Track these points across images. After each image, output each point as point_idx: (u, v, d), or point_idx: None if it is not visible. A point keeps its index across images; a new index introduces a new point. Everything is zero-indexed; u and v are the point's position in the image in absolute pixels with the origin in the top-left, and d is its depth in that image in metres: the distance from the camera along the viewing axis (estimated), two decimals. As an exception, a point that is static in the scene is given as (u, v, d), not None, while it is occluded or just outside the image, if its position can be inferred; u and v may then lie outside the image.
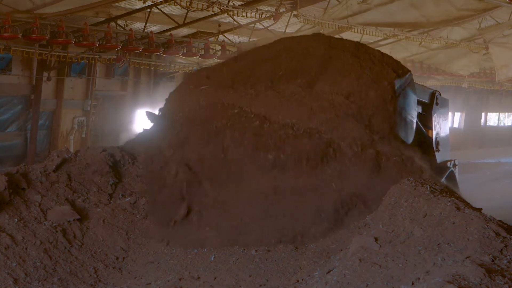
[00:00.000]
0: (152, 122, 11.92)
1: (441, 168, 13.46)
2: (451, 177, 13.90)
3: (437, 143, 14.18)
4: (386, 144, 10.28)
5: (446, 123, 15.41)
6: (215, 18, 19.27)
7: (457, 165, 15.25)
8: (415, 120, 11.75)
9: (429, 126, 13.81)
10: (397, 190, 8.83)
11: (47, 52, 17.11)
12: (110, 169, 10.93)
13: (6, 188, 9.53)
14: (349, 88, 10.74)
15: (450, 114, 33.14)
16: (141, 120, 12.65)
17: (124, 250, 9.77)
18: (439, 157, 13.88)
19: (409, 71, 11.65)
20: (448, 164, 14.63)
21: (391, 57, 11.83)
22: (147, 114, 11.93)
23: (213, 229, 9.88)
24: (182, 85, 12.39)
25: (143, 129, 12.24)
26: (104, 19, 17.91)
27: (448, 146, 15.35)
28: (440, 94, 14.60)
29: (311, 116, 10.36)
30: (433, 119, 14.09)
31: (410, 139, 11.39)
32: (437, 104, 14.29)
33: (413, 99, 11.64)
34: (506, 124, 40.88)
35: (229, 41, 21.21)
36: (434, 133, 14.07)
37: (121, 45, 17.77)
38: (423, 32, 23.93)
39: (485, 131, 37.95)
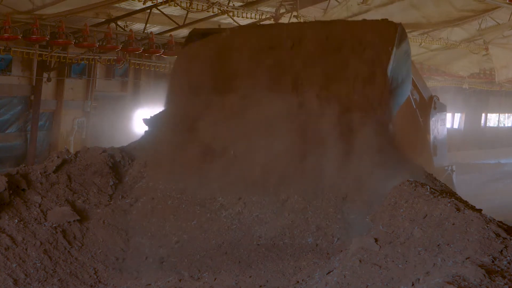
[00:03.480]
0: (147, 127, 12.06)
1: (438, 173, 13.45)
2: (449, 182, 13.89)
3: (435, 147, 14.16)
4: None
5: (444, 128, 15.40)
6: (215, 19, 19.23)
7: (454, 170, 15.24)
8: (410, 82, 11.81)
9: (426, 131, 13.82)
10: (397, 191, 8.82)
11: (47, 53, 17.11)
12: (110, 170, 10.93)
13: (6, 189, 9.53)
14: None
15: (449, 115, 33.16)
16: (141, 121, 12.67)
17: (124, 251, 9.77)
18: (436, 162, 13.85)
19: (395, 29, 11.47)
20: (446, 169, 14.63)
21: (368, 30, 11.68)
22: (143, 121, 12.13)
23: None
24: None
25: (145, 131, 12.31)
26: (104, 20, 17.89)
27: (446, 151, 15.34)
28: (438, 99, 14.60)
29: None
30: (431, 123, 14.09)
31: (402, 100, 11.52)
32: (434, 108, 14.29)
33: (405, 56, 11.61)
34: (506, 125, 40.82)
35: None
36: (431, 137, 14.06)
37: (121, 46, 17.75)
38: (423, 33, 23.91)
39: (485, 132, 37.91)
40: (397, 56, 11.19)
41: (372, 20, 12.19)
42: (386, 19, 11.96)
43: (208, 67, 11.92)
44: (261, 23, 19.49)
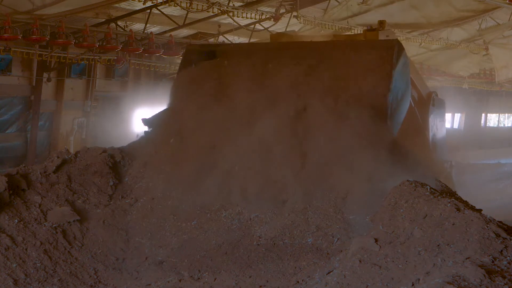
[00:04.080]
0: (147, 127, 12.06)
1: (438, 171, 13.44)
2: (448, 178, 13.88)
3: (434, 144, 14.14)
4: None
5: (443, 124, 15.38)
6: (215, 19, 19.24)
7: (454, 166, 15.23)
8: (409, 91, 11.77)
9: (425, 128, 13.81)
10: (397, 191, 8.82)
11: (47, 53, 17.12)
12: (110, 170, 10.93)
13: (6, 189, 9.53)
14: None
15: (449, 115, 33.15)
16: (141, 121, 12.67)
17: (124, 251, 9.78)
18: (436, 159, 13.84)
19: (393, 50, 11.47)
20: (445, 166, 14.61)
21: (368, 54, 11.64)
22: (142, 121, 12.13)
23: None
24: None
25: (144, 131, 12.31)
26: (104, 20, 17.90)
27: (445, 147, 15.33)
28: (436, 95, 14.57)
29: None
30: (429, 120, 14.07)
31: (403, 116, 11.51)
32: (433, 105, 14.26)
33: (403, 68, 11.61)
34: (506, 125, 40.81)
35: (229, 42, 21.21)
36: (430, 134, 14.04)
37: (121, 46, 17.75)
38: (423, 33, 23.89)
39: (485, 132, 37.88)
40: (396, 76, 11.24)
41: (371, 42, 12.16)
42: (385, 40, 12.04)
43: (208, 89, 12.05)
44: (261, 22, 19.55)
